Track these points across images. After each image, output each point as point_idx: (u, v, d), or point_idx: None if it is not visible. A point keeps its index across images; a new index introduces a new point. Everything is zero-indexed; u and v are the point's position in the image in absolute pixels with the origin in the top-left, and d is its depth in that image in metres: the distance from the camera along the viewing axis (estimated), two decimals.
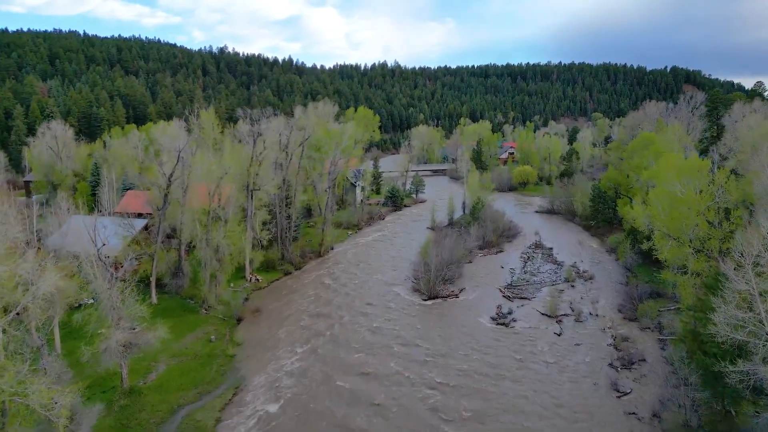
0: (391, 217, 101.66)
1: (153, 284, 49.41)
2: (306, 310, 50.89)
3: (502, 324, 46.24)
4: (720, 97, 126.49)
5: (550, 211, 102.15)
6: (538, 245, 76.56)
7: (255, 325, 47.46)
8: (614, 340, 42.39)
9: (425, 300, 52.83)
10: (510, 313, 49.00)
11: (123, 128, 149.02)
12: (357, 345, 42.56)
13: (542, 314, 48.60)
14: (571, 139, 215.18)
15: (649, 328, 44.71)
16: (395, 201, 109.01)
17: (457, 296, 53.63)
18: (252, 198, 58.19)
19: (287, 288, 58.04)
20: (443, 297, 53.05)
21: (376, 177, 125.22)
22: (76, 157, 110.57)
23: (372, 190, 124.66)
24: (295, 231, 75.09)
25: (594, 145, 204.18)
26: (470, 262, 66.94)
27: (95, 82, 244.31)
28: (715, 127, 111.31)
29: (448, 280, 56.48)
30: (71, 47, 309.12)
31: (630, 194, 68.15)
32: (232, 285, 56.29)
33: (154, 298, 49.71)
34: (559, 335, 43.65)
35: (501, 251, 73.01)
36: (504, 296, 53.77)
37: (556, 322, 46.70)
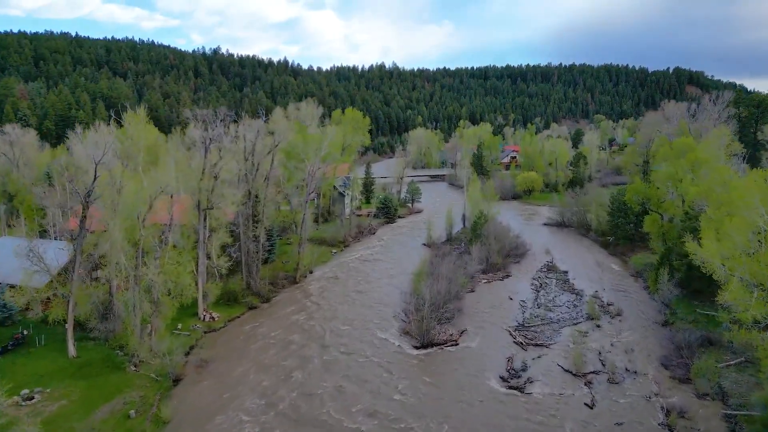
0: (383, 231, 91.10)
1: (69, 333, 38.73)
2: (264, 363, 40.25)
3: (515, 388, 35.62)
4: (742, 97, 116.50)
5: (560, 224, 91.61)
6: (550, 267, 66.01)
7: (196, 387, 36.83)
8: (667, 416, 31.77)
9: (417, 348, 42.21)
10: (524, 369, 38.38)
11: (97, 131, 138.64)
12: (321, 423, 31.97)
13: (565, 371, 38.01)
14: (575, 141, 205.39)
15: (707, 394, 34.14)
16: (388, 212, 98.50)
17: (456, 342, 42.99)
18: (206, 219, 47.63)
19: (248, 328, 47.38)
20: (439, 344, 42.40)
21: (368, 185, 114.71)
22: (36, 163, 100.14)
23: (363, 199, 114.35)
24: (269, 252, 64.65)
25: (600, 148, 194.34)
26: (472, 290, 56.39)
27: (77, 83, 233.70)
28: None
29: (446, 320, 45.90)
30: (58, 48, 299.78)
31: (661, 210, 57.63)
32: (179, 326, 45.74)
33: (72, 350, 39.04)
34: (591, 408, 33.01)
35: (508, 275, 62.42)
36: (515, 342, 43.14)
37: (585, 383, 36.10)
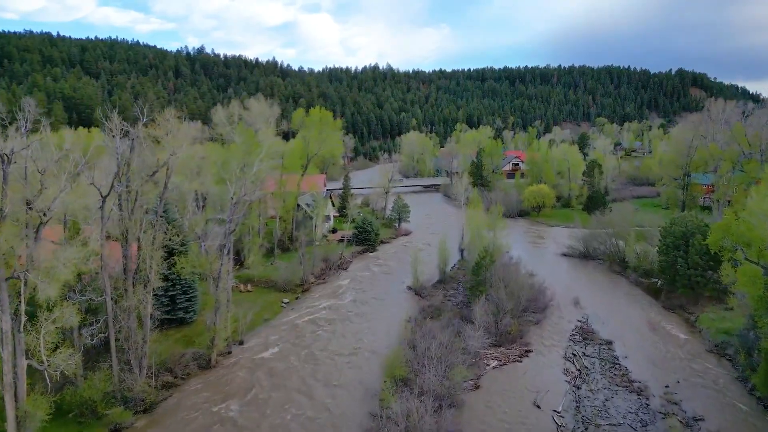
0: (359, 264, 71.24)
1: None
2: None
3: None
4: None
5: (584, 255, 71.86)
6: (585, 333, 46.29)
7: None
8: None
9: None
10: None
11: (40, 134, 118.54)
12: None
13: None
14: (581, 147, 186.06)
15: None
16: (367, 237, 78.65)
17: None
18: (21, 293, 27.60)
19: None
20: None
21: (345, 200, 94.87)
22: None
23: (340, 215, 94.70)
24: (186, 311, 44.89)
25: (612, 154, 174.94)
26: (477, 387, 36.50)
27: (35, 82, 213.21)
28: None
29: None
30: (27, 47, 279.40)
31: (763, 260, 37.73)
32: None
33: None
34: None
35: (527, 351, 42.47)
36: None
37: None
